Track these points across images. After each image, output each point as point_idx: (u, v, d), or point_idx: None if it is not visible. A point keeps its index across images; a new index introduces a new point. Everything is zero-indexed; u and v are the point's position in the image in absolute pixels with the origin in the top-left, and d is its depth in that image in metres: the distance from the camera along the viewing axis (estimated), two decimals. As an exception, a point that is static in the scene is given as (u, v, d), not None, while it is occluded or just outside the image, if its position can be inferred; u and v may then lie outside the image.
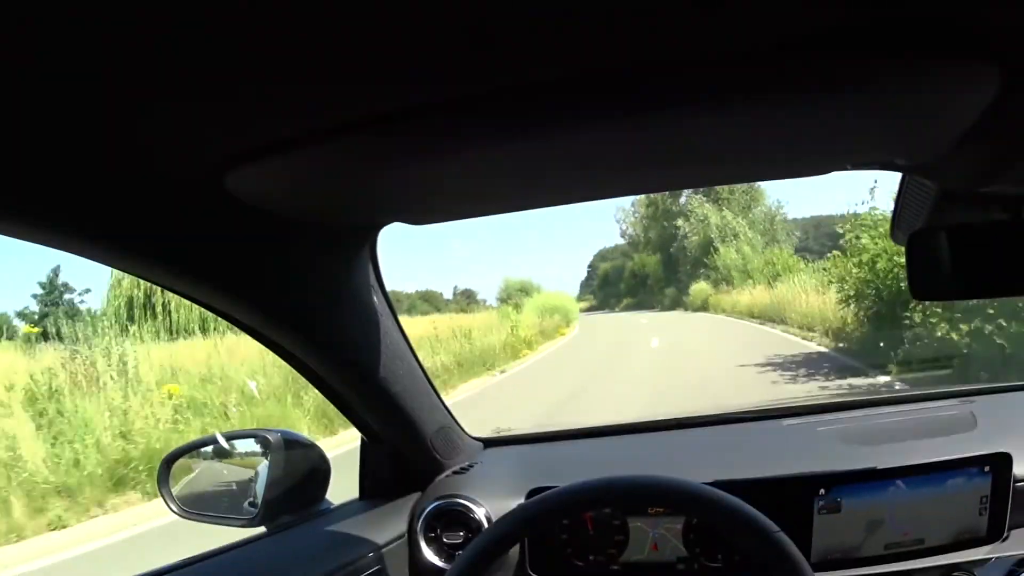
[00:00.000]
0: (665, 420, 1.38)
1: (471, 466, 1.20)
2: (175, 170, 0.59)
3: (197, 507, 1.08)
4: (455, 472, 1.18)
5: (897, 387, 6.37)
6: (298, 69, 0.47)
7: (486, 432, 1.37)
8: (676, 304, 32.25)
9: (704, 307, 27.00)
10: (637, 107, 0.56)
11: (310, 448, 1.12)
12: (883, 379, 7.05)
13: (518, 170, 0.71)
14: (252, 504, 1.07)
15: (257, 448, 1.10)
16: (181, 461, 1.10)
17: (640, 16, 0.44)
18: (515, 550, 1.05)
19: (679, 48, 0.48)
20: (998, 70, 0.50)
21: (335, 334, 0.93)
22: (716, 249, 30.67)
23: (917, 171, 0.80)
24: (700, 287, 29.77)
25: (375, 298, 0.97)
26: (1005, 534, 0.98)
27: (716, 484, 0.81)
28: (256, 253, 0.76)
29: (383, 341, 0.99)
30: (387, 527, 1.09)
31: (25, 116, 0.47)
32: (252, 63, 0.45)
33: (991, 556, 0.99)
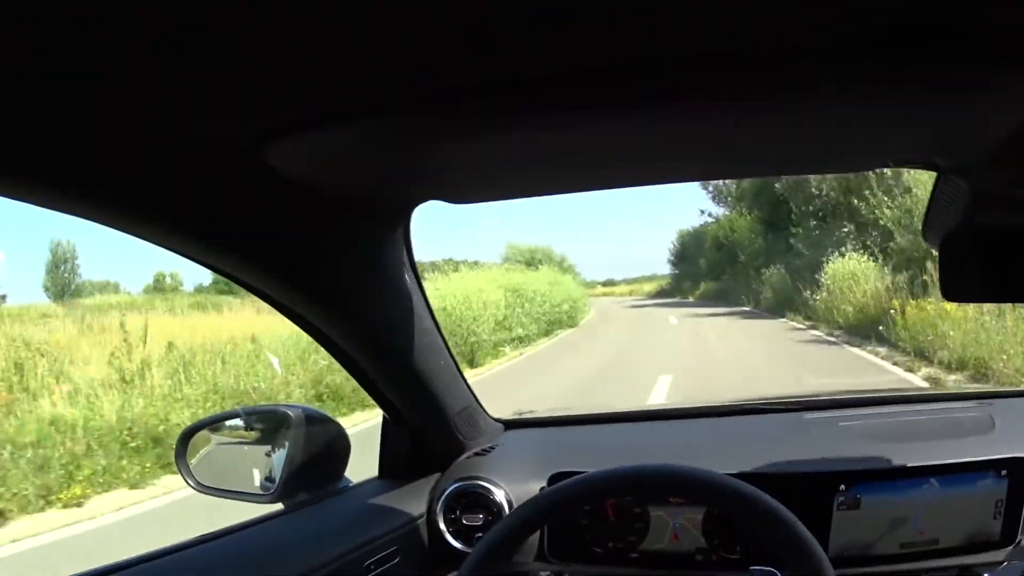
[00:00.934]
0: (688, 408, 1.36)
1: (492, 448, 1.18)
2: (213, 138, 0.59)
3: (214, 482, 1.06)
4: (476, 454, 1.16)
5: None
6: (341, 48, 0.47)
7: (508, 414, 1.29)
8: (784, 304, 15.07)
9: (869, 329, 9.58)
10: (684, 98, 0.57)
11: (330, 424, 1.09)
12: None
13: (558, 154, 0.72)
14: (269, 480, 1.05)
15: (277, 424, 1.07)
16: (200, 435, 1.08)
17: (684, 11, 0.45)
18: (535, 534, 1.02)
19: (727, 44, 0.49)
20: None
21: (364, 311, 0.92)
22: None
23: (954, 172, 0.79)
24: (845, 268, 12.24)
25: (406, 276, 0.95)
26: (1019, 539, 0.99)
27: (738, 476, 0.80)
28: (288, 226, 0.75)
29: (411, 319, 0.98)
30: (407, 507, 1.07)
31: (54, 88, 0.47)
32: (295, 39, 0.45)
33: (1003, 560, 0.98)
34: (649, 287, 46.17)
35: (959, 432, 1.10)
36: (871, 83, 0.55)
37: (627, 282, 62.70)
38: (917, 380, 6.72)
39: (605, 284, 63.88)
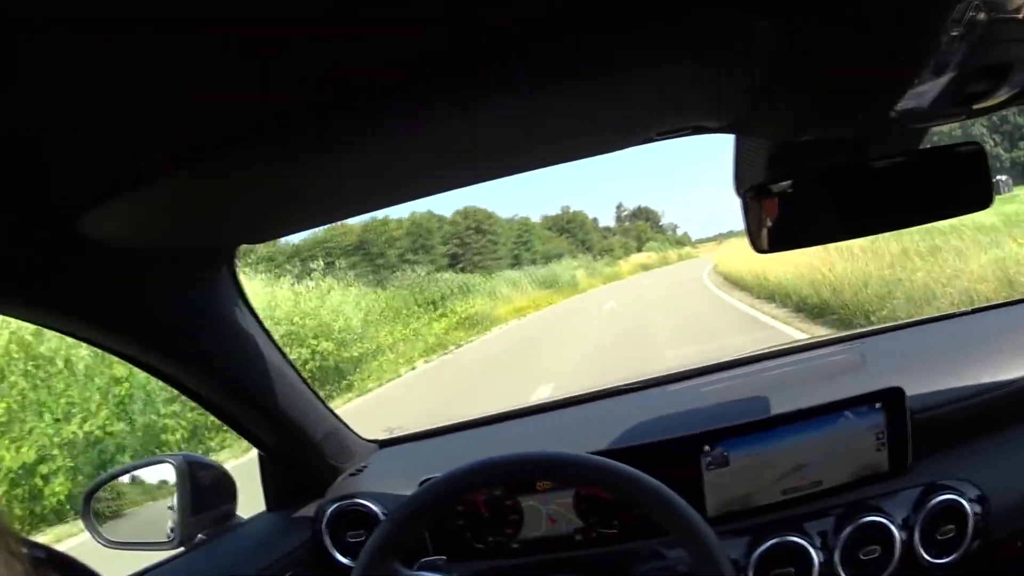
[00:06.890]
0: (554, 401, 1.37)
1: (364, 467, 1.22)
2: (28, 220, 0.62)
3: (122, 536, 1.11)
4: (351, 474, 1.20)
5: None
6: (125, 114, 0.48)
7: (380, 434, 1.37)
8: None
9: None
10: (438, 105, 0.58)
11: (213, 468, 1.14)
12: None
13: (362, 176, 0.75)
14: (172, 529, 1.09)
15: (164, 474, 1.11)
16: (102, 493, 1.13)
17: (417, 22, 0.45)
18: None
19: (464, 40, 0.49)
20: (768, 22, 0.51)
21: (207, 355, 0.95)
22: None
23: (731, 131, 0.81)
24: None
25: (242, 316, 0.98)
26: (909, 465, 1.00)
27: (601, 454, 0.80)
28: (116, 287, 0.78)
29: (255, 357, 1.01)
30: (294, 533, 1.13)
31: None
32: (87, 113, 0.47)
33: (897, 489, 0.99)
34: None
35: (828, 375, 1.11)
36: (613, 59, 0.55)
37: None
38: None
39: (714, 239, 57.90)
